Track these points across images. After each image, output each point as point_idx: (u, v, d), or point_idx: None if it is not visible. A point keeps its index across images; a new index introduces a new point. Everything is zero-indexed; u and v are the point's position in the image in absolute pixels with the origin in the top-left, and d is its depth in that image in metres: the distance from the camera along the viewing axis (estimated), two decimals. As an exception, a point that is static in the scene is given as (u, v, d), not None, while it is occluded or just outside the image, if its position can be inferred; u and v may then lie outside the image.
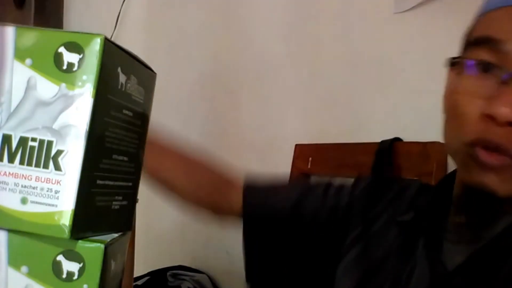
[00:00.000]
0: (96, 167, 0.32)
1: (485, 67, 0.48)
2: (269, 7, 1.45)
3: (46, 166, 0.31)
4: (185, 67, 1.74)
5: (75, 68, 0.31)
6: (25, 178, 0.31)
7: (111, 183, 0.35)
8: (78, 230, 0.31)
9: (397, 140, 1.06)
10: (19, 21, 1.56)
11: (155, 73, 0.38)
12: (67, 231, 0.31)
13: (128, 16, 1.86)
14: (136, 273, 1.44)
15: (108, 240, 0.32)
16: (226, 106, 1.58)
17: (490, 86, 0.47)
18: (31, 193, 0.31)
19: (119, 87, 0.33)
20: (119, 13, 1.83)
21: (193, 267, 1.59)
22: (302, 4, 1.36)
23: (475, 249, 0.50)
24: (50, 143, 0.31)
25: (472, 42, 0.51)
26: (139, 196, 1.09)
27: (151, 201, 1.76)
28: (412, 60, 1.09)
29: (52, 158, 0.31)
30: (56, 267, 0.31)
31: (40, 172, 0.31)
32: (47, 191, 0.31)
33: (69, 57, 0.31)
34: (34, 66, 0.31)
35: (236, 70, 1.55)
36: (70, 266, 0.31)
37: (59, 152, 0.31)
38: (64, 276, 0.31)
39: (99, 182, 0.33)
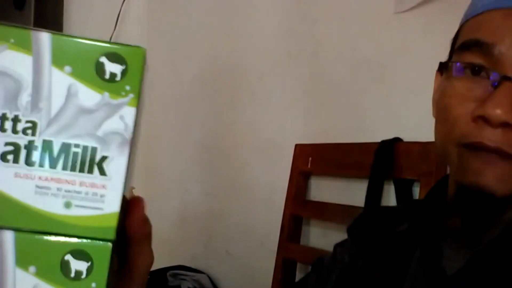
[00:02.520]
0: (128, 172, 0.34)
1: (476, 70, 0.48)
2: (269, 7, 1.45)
3: (90, 171, 0.32)
4: (185, 67, 1.74)
5: (117, 78, 0.32)
6: (68, 183, 0.32)
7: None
8: (118, 231, 0.33)
9: (397, 140, 1.06)
10: (19, 22, 1.56)
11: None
12: (113, 233, 0.32)
13: (128, 16, 1.86)
14: (136, 273, 1.44)
15: (113, 238, 0.33)
16: (226, 106, 1.59)
17: (481, 88, 0.48)
18: (75, 197, 0.32)
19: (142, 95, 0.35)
20: (119, 13, 1.83)
21: (193, 267, 1.59)
22: (302, 4, 1.36)
23: (475, 253, 0.50)
24: (94, 149, 0.32)
25: (462, 45, 0.51)
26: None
27: (151, 201, 1.76)
28: (412, 60, 1.09)
29: (97, 163, 0.32)
30: (65, 267, 0.32)
31: (84, 177, 0.32)
32: (92, 195, 0.32)
33: (111, 67, 0.32)
34: (75, 74, 0.32)
35: (236, 70, 1.55)
36: (78, 265, 0.32)
37: (103, 158, 0.32)
38: (72, 275, 0.32)
39: (126, 185, 0.35)
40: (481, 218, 0.51)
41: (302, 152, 1.28)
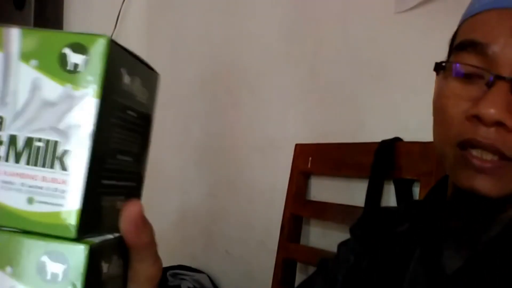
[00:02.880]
0: (101, 167, 0.32)
1: (471, 71, 0.49)
2: (269, 7, 1.45)
3: (52, 166, 0.31)
4: (185, 66, 1.74)
5: (80, 69, 0.31)
6: (31, 178, 0.31)
7: (115, 183, 0.35)
8: (84, 229, 0.31)
9: (397, 140, 1.06)
10: (19, 22, 1.56)
11: (158, 74, 0.39)
12: (74, 231, 0.31)
13: (128, 16, 1.86)
14: (136, 273, 1.44)
15: (97, 241, 0.32)
16: (226, 105, 1.59)
17: (476, 88, 0.48)
18: (37, 193, 0.31)
19: (123, 88, 0.34)
20: (119, 13, 1.83)
21: (193, 266, 1.59)
22: (302, 4, 1.36)
23: (474, 252, 0.50)
24: (56, 143, 0.31)
25: (458, 46, 0.51)
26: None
27: (151, 201, 1.76)
28: (412, 60, 1.09)
29: (58, 158, 0.31)
30: (41, 268, 0.31)
31: (46, 172, 0.31)
32: (54, 190, 0.31)
33: (74, 58, 0.31)
34: (39, 67, 0.32)
35: (236, 70, 1.55)
36: (54, 267, 0.31)
37: (65, 152, 0.31)
38: (48, 277, 0.31)
39: (104, 182, 0.33)
40: (478, 219, 0.51)
41: (302, 152, 1.28)
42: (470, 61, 0.49)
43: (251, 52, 1.50)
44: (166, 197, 1.80)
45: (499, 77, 0.47)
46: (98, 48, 0.31)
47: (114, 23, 1.81)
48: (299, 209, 1.27)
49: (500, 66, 0.47)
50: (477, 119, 0.47)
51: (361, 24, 1.20)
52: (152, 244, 0.36)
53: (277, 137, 1.40)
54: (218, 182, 1.60)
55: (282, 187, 1.30)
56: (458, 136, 0.48)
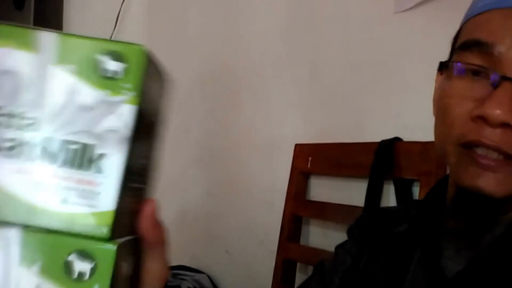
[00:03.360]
0: (129, 171, 0.34)
1: (475, 70, 0.48)
2: (269, 7, 1.45)
3: (87, 168, 0.32)
4: (185, 67, 1.74)
5: (118, 76, 0.33)
6: (66, 179, 0.32)
7: (136, 185, 0.36)
8: (115, 230, 0.32)
9: (397, 139, 1.06)
10: (19, 22, 1.56)
11: (168, 79, 0.40)
12: (107, 231, 0.32)
13: (128, 16, 1.86)
14: (136, 273, 1.44)
15: (121, 241, 0.33)
16: (226, 105, 1.59)
17: (480, 88, 0.48)
18: (72, 194, 0.32)
19: (149, 95, 0.35)
20: (119, 13, 1.83)
21: (193, 266, 1.59)
22: (302, 4, 1.36)
23: (475, 254, 0.50)
24: (91, 147, 0.32)
25: (462, 45, 0.51)
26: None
27: (151, 201, 1.76)
28: (412, 60, 1.09)
29: (94, 160, 0.32)
30: (68, 267, 0.31)
31: (81, 174, 0.32)
32: (88, 192, 0.32)
33: (112, 66, 0.33)
34: (76, 72, 0.33)
35: (236, 70, 1.55)
36: (81, 266, 0.32)
37: (100, 155, 0.32)
38: (75, 276, 0.31)
39: (131, 185, 0.34)
40: (480, 220, 0.51)
41: (302, 152, 1.28)
42: (474, 60, 0.48)
43: (251, 52, 1.50)
44: (166, 197, 1.80)
45: (505, 78, 0.46)
46: (137, 57, 0.33)
47: (114, 23, 1.81)
48: (299, 209, 1.27)
49: (505, 67, 0.47)
50: (483, 120, 0.46)
51: (361, 24, 1.20)
52: (165, 243, 0.37)
53: (277, 137, 1.40)
54: (218, 182, 1.60)
55: (282, 187, 1.30)
56: (462, 136, 0.48)
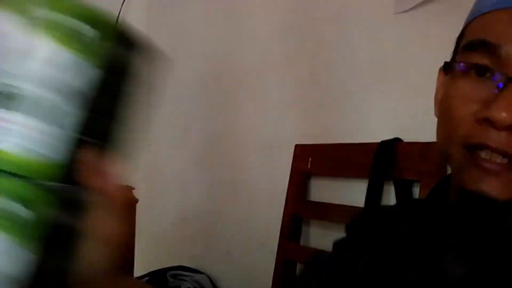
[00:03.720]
0: (86, 126, 0.36)
1: (481, 71, 0.47)
2: (269, 8, 1.45)
3: (45, 120, 0.35)
4: (184, 67, 1.74)
5: (90, 41, 0.36)
6: (26, 128, 0.35)
7: (94, 141, 0.38)
8: (62, 179, 0.36)
9: (397, 140, 1.06)
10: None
11: (162, 54, 0.43)
12: (55, 178, 0.35)
13: (128, 16, 1.86)
14: (136, 274, 1.44)
15: (58, 189, 0.36)
16: (226, 106, 1.58)
17: (486, 90, 0.47)
18: (27, 141, 0.35)
19: (120, 62, 0.38)
20: (119, 13, 1.82)
21: (193, 267, 1.59)
22: (302, 5, 1.36)
23: (478, 258, 0.49)
24: (58, 102, 0.35)
25: (467, 45, 0.50)
26: (139, 197, 1.09)
27: (151, 201, 1.76)
28: (412, 60, 1.09)
29: (57, 115, 0.35)
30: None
31: (41, 123, 0.35)
32: (41, 141, 0.35)
33: (86, 31, 0.36)
34: (55, 36, 0.35)
35: (235, 70, 1.55)
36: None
37: (62, 111, 0.35)
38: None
39: (83, 138, 0.37)
40: (483, 222, 0.50)
41: (302, 152, 1.28)
42: (480, 61, 0.48)
43: (250, 52, 1.50)
44: (166, 197, 1.80)
45: (511, 79, 0.45)
46: (110, 26, 0.36)
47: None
48: (299, 209, 1.27)
49: None
50: (488, 122, 0.45)
51: (361, 25, 1.20)
52: (118, 199, 0.38)
53: (277, 138, 1.40)
54: (218, 183, 1.60)
55: (282, 187, 1.30)
56: (466, 138, 0.47)
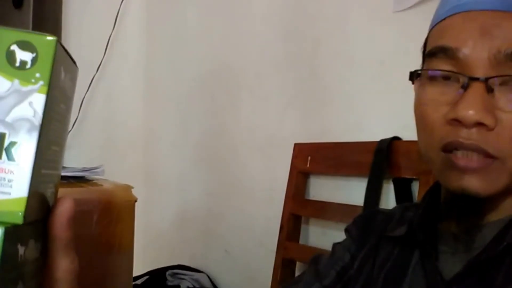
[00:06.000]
0: (42, 158, 0.35)
1: (445, 76, 0.50)
2: (268, 7, 1.45)
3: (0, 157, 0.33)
4: (184, 66, 1.74)
5: (28, 66, 0.34)
6: None
7: (49, 172, 0.37)
8: (29, 215, 0.34)
9: (396, 139, 1.06)
10: (18, 22, 1.56)
11: (77, 68, 0.42)
12: (21, 217, 0.33)
13: (127, 16, 1.86)
14: (136, 273, 1.44)
15: (20, 223, 0.33)
16: (226, 105, 1.59)
17: (452, 92, 0.49)
18: None
19: (61, 84, 0.36)
20: (118, 13, 1.83)
21: (192, 266, 1.59)
22: (301, 4, 1.36)
23: (471, 257, 0.50)
24: (3, 135, 0.33)
25: (429, 53, 0.53)
26: (138, 196, 1.09)
27: (150, 201, 1.76)
28: (410, 59, 1.09)
29: (5, 149, 0.33)
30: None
31: None
32: (1, 180, 0.33)
33: (22, 55, 0.34)
34: None
35: (235, 69, 1.55)
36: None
37: (12, 144, 0.33)
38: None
39: (43, 171, 0.36)
40: (472, 220, 0.52)
41: (301, 151, 1.28)
42: (443, 66, 0.50)
43: (250, 51, 1.50)
44: (165, 197, 1.81)
45: (473, 79, 0.48)
46: (47, 48, 0.34)
47: (113, 23, 1.81)
48: (298, 208, 1.27)
49: (472, 68, 0.48)
50: (458, 122, 0.47)
51: (360, 23, 1.20)
52: (72, 239, 0.38)
53: (276, 137, 1.40)
54: (218, 182, 1.60)
55: (281, 186, 1.30)
56: (441, 140, 0.49)
